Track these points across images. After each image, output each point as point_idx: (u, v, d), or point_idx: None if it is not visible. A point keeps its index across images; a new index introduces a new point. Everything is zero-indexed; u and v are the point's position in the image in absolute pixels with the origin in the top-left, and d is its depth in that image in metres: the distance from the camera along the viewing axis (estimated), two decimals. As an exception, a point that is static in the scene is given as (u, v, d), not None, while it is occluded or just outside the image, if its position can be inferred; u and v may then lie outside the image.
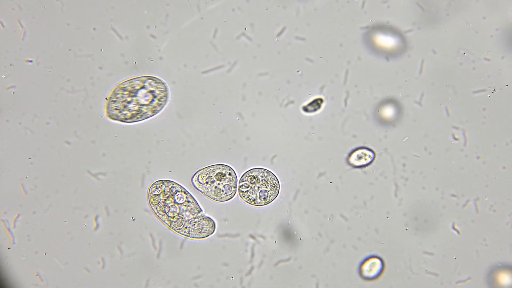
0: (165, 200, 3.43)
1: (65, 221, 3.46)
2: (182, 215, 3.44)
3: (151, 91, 3.35)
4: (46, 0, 3.46)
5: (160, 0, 3.45)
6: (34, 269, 3.45)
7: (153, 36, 3.45)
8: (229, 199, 3.44)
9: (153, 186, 3.43)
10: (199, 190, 3.43)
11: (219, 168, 3.39)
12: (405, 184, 3.45)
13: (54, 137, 3.48)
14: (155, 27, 3.45)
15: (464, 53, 3.41)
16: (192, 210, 3.44)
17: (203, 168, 3.44)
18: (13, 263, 3.45)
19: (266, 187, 3.41)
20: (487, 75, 3.43)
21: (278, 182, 3.44)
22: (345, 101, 3.45)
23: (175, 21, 3.46)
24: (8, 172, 3.46)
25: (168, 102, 3.39)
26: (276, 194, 3.43)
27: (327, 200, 3.46)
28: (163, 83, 3.36)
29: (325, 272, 3.46)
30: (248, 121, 3.47)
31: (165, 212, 3.44)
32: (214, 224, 3.45)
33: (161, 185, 3.44)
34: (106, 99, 3.45)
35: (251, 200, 3.41)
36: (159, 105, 3.39)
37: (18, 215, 3.43)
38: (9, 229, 3.43)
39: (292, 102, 3.46)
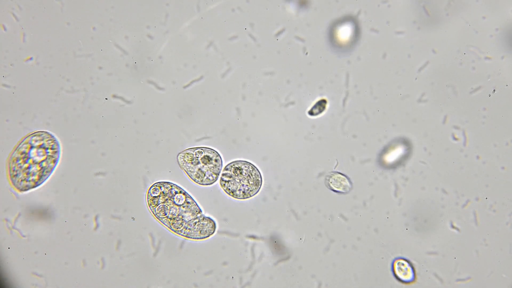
0: (164, 202, 3.43)
1: (65, 221, 3.45)
2: (182, 216, 3.44)
3: (40, 146, 3.36)
4: (46, 0, 3.46)
5: (160, 0, 3.45)
6: (34, 269, 3.45)
7: (150, 37, 3.45)
8: (209, 184, 3.42)
9: (152, 188, 3.43)
10: (181, 168, 3.41)
11: (208, 151, 3.38)
12: (405, 184, 3.45)
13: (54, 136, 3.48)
14: (155, 27, 3.45)
15: (465, 53, 3.42)
16: (192, 211, 3.44)
17: (192, 148, 3.42)
18: (13, 263, 3.45)
19: (248, 182, 3.41)
20: (487, 75, 3.43)
21: (261, 180, 3.43)
22: (344, 101, 3.45)
23: (175, 21, 3.46)
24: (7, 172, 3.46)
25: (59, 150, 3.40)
26: (257, 191, 3.42)
27: (327, 200, 3.46)
28: (44, 132, 3.37)
29: (325, 272, 3.46)
30: (248, 121, 3.47)
31: (165, 214, 3.43)
32: (214, 224, 3.45)
33: (160, 187, 3.44)
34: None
35: (230, 191, 3.40)
36: (55, 152, 3.40)
37: (19, 214, 3.43)
38: (13, 227, 3.43)
39: (292, 102, 3.46)
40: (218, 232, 3.45)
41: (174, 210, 3.43)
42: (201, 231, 3.43)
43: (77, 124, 3.47)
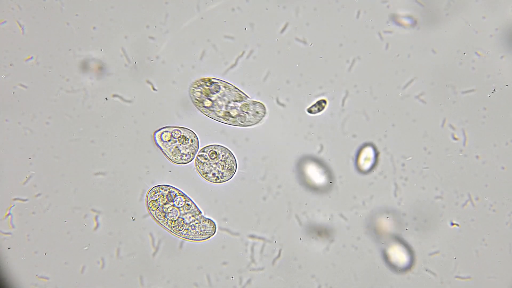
0: (164, 204, 3.43)
1: (65, 221, 3.45)
2: (183, 218, 3.43)
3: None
4: (45, 0, 3.46)
5: (160, 0, 3.46)
6: (33, 269, 3.45)
7: (152, 38, 3.45)
8: (184, 163, 3.41)
9: (152, 191, 3.43)
10: (158, 145, 3.40)
11: (186, 131, 3.37)
12: (405, 184, 3.45)
13: (54, 136, 3.48)
14: (155, 27, 3.45)
15: (464, 53, 3.42)
16: (192, 213, 3.44)
17: (170, 127, 3.41)
18: (13, 263, 3.45)
19: (223, 168, 3.40)
20: (486, 74, 3.43)
21: (236, 168, 3.42)
22: (343, 100, 3.45)
23: (175, 21, 3.46)
24: (8, 172, 3.46)
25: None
26: (230, 178, 3.41)
27: (327, 200, 3.46)
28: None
29: (325, 272, 3.46)
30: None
31: (165, 216, 3.43)
32: (215, 225, 3.44)
33: (159, 190, 3.43)
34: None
35: (204, 173, 3.39)
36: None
37: (13, 205, 3.43)
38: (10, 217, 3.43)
39: (291, 102, 3.46)
40: (220, 229, 3.45)
41: (174, 213, 3.43)
42: (202, 232, 3.43)
43: (76, 123, 3.47)
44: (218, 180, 3.41)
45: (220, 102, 3.41)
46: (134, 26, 3.46)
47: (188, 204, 3.45)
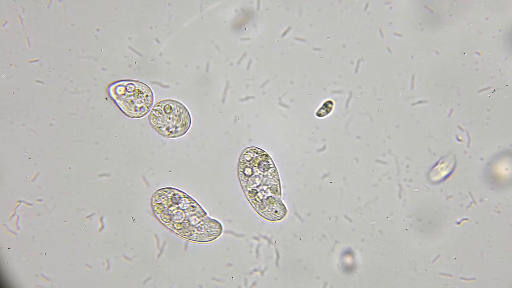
0: (169, 207, 3.43)
1: (66, 221, 3.45)
2: (189, 220, 3.43)
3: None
4: (48, 1, 3.45)
5: (162, 0, 3.45)
6: (38, 271, 3.44)
7: (156, 40, 3.45)
8: (138, 117, 3.40)
9: (156, 194, 3.43)
10: (112, 98, 3.39)
11: (140, 85, 3.36)
12: (409, 185, 3.45)
13: (58, 138, 3.47)
14: (155, 27, 3.44)
15: (464, 53, 3.42)
16: (198, 214, 3.44)
17: (125, 81, 3.41)
18: (17, 264, 3.45)
19: (178, 123, 3.38)
20: (489, 76, 3.43)
21: (190, 122, 3.40)
22: (347, 102, 3.45)
23: (177, 22, 3.45)
24: (12, 173, 3.45)
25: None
26: (183, 133, 3.41)
27: (331, 201, 3.47)
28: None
29: (330, 273, 3.46)
30: (252, 122, 3.47)
31: (170, 219, 3.43)
32: (220, 225, 3.44)
33: (164, 193, 3.43)
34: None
35: (157, 127, 3.38)
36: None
37: (20, 203, 3.42)
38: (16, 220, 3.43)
39: (295, 103, 3.46)
40: (225, 232, 3.45)
41: (180, 215, 3.42)
42: (208, 233, 3.43)
43: (80, 125, 3.47)
44: (172, 135, 3.39)
45: (257, 179, 3.42)
46: (136, 27, 3.45)
47: (193, 206, 3.45)
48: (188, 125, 3.41)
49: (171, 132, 3.39)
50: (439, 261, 3.44)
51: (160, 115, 3.40)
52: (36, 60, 3.45)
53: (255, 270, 3.44)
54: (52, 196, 3.46)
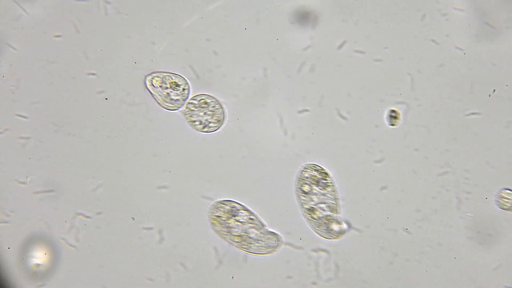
0: (227, 220, 3.42)
1: (125, 234, 3.45)
2: (248, 233, 3.43)
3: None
4: (104, 12, 3.44)
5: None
6: (100, 282, 3.44)
7: (214, 52, 3.45)
8: (174, 109, 3.39)
9: (214, 207, 3.42)
10: (148, 90, 3.39)
11: (177, 78, 3.35)
12: (468, 197, 3.45)
13: (116, 150, 3.47)
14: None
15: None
16: (256, 227, 3.44)
17: (162, 72, 3.40)
18: (78, 277, 3.45)
19: (211, 118, 3.38)
20: (543, 87, 3.43)
21: (223, 119, 3.40)
22: (405, 114, 3.45)
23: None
24: (71, 186, 3.45)
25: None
26: (217, 129, 3.40)
27: (390, 213, 3.47)
28: None
29: (388, 286, 3.46)
30: (308, 134, 3.47)
31: (229, 232, 3.43)
32: (279, 238, 3.44)
33: (222, 206, 3.43)
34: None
35: (192, 121, 3.37)
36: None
37: (78, 216, 3.43)
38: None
39: (352, 114, 3.46)
40: (284, 243, 3.45)
41: (238, 228, 3.42)
42: (266, 246, 3.43)
43: (138, 137, 3.46)
44: (205, 129, 3.38)
45: (314, 197, 3.41)
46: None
47: (251, 219, 3.45)
48: (222, 121, 3.40)
49: (204, 126, 3.38)
50: (499, 273, 3.45)
51: (194, 109, 3.39)
52: (94, 74, 3.44)
53: (314, 283, 3.44)
54: (112, 208, 3.46)
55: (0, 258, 3.43)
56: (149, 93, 3.41)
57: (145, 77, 3.41)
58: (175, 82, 3.32)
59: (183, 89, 3.37)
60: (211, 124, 3.40)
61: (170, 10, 3.44)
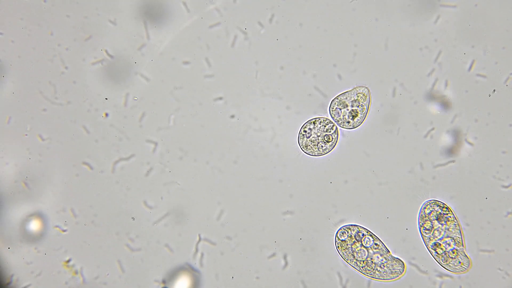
0: (352, 245, 3.43)
1: (248, 259, 3.45)
2: (372, 258, 3.43)
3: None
4: (233, 40, 3.44)
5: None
6: (228, 310, 3.46)
7: (339, 76, 3.45)
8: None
9: (340, 231, 3.43)
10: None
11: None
12: None
13: (242, 176, 3.48)
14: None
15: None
16: (381, 252, 3.44)
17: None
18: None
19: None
20: None
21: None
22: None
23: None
24: (197, 211, 3.46)
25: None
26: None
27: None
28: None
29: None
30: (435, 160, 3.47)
31: (353, 256, 3.43)
32: (404, 264, 3.44)
33: (347, 230, 3.44)
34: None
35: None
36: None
37: (202, 240, 3.44)
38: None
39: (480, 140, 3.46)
40: (409, 264, 3.45)
41: (363, 253, 3.43)
42: (391, 272, 3.44)
43: (263, 162, 3.47)
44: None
45: (436, 232, 3.44)
46: (319, 64, 3.44)
47: (376, 244, 3.45)
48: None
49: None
50: None
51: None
52: (221, 98, 3.45)
53: (438, 307, 3.45)
54: (236, 233, 3.47)
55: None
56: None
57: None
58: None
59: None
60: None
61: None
